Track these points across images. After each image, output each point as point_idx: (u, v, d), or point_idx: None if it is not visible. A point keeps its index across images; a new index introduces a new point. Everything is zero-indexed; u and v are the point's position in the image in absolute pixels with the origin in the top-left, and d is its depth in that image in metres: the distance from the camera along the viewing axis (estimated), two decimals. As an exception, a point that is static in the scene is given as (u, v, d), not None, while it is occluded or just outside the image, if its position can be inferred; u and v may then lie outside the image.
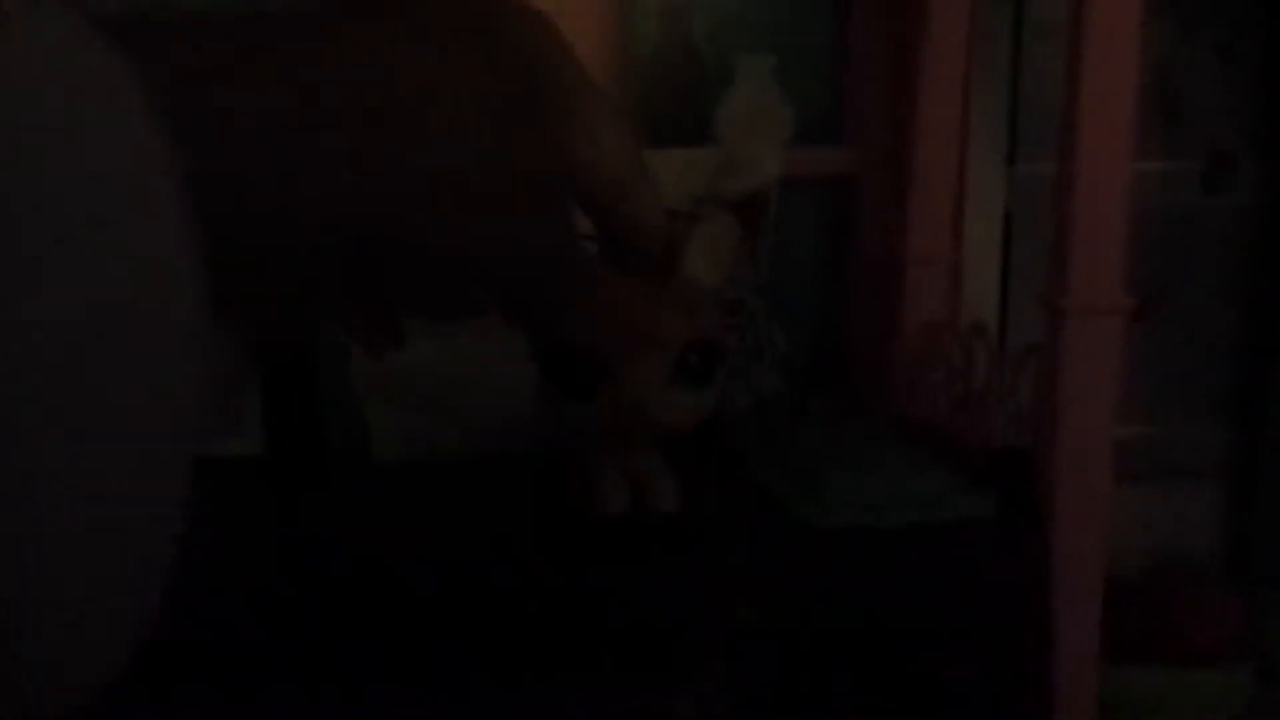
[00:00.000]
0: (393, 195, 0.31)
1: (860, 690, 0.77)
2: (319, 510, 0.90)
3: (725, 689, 0.76)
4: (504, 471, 0.91)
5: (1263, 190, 1.22)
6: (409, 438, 0.96)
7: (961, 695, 0.79)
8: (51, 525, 0.19)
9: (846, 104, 1.12)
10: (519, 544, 0.79)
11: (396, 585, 0.75)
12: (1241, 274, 1.24)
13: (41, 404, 0.18)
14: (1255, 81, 1.19)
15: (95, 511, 0.20)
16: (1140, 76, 0.76)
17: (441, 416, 0.96)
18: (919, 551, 0.78)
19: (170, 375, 0.21)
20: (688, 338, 0.57)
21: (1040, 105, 1.12)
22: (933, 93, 1.04)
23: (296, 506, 0.91)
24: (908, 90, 1.05)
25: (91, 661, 0.21)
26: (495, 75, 0.34)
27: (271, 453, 0.96)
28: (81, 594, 0.20)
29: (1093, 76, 0.76)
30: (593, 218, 0.41)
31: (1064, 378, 0.76)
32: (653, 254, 0.46)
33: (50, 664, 0.20)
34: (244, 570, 0.78)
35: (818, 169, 1.11)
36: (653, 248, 0.45)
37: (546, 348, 0.52)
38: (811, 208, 1.14)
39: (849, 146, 1.12)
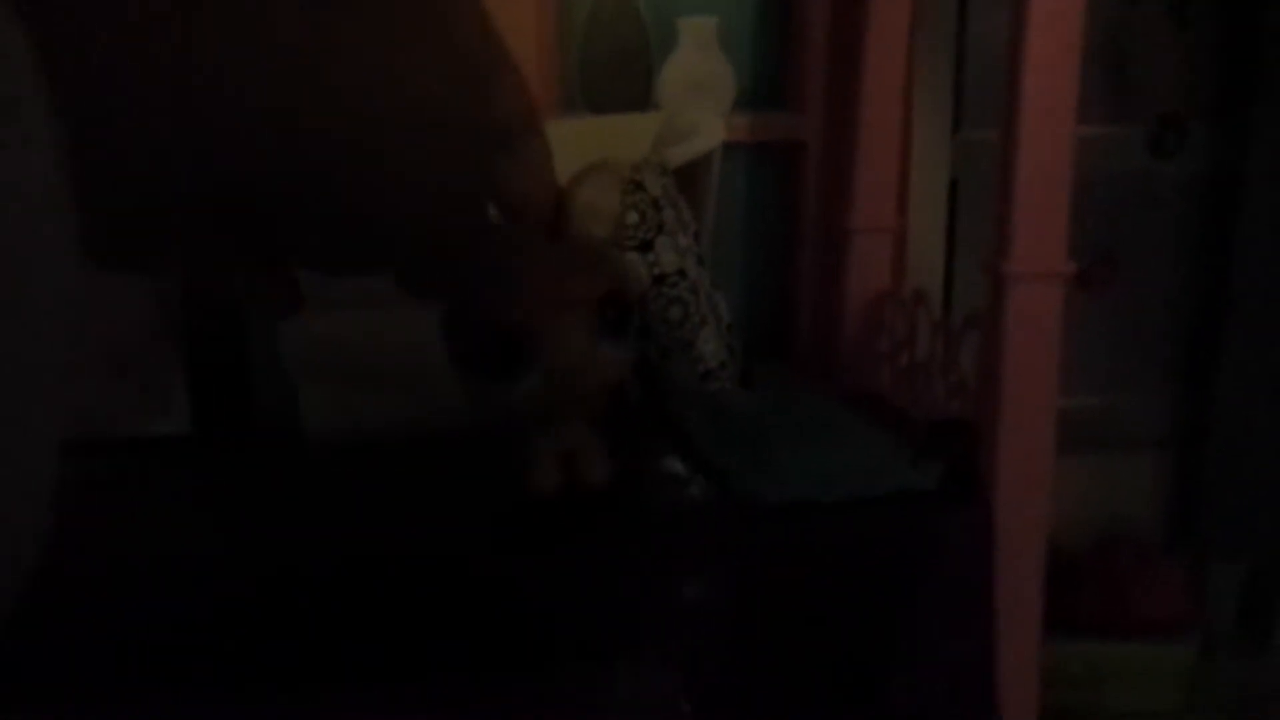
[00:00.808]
0: (289, 131, 0.29)
1: (805, 663, 0.76)
2: (247, 489, 0.87)
3: (672, 666, 0.75)
4: (437, 448, 0.89)
5: (1212, 154, 1.21)
6: (339, 414, 0.94)
7: (905, 666, 0.78)
8: None
9: (790, 68, 1.10)
10: (455, 522, 0.77)
11: (326, 564, 0.73)
12: (1190, 240, 1.24)
13: None
14: (1205, 45, 1.19)
15: None
16: (1086, 40, 0.75)
17: (372, 393, 0.93)
18: (863, 524, 0.77)
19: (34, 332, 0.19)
20: (600, 293, 0.56)
21: (985, 71, 1.11)
22: (877, 58, 1.02)
23: (224, 485, 0.88)
24: (852, 55, 1.03)
25: None
26: (404, 19, 0.32)
27: (200, 431, 0.93)
28: None
29: (1036, 41, 0.75)
30: (489, 181, 0.39)
31: (1006, 345, 0.75)
32: (544, 216, 0.44)
33: None
34: (172, 550, 0.76)
35: (761, 134, 1.09)
36: (544, 210, 0.44)
37: (462, 330, 0.50)
38: (755, 174, 1.12)
39: (793, 111, 1.10)
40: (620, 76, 1.04)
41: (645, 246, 0.99)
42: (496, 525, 0.76)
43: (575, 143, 0.98)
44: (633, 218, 0.97)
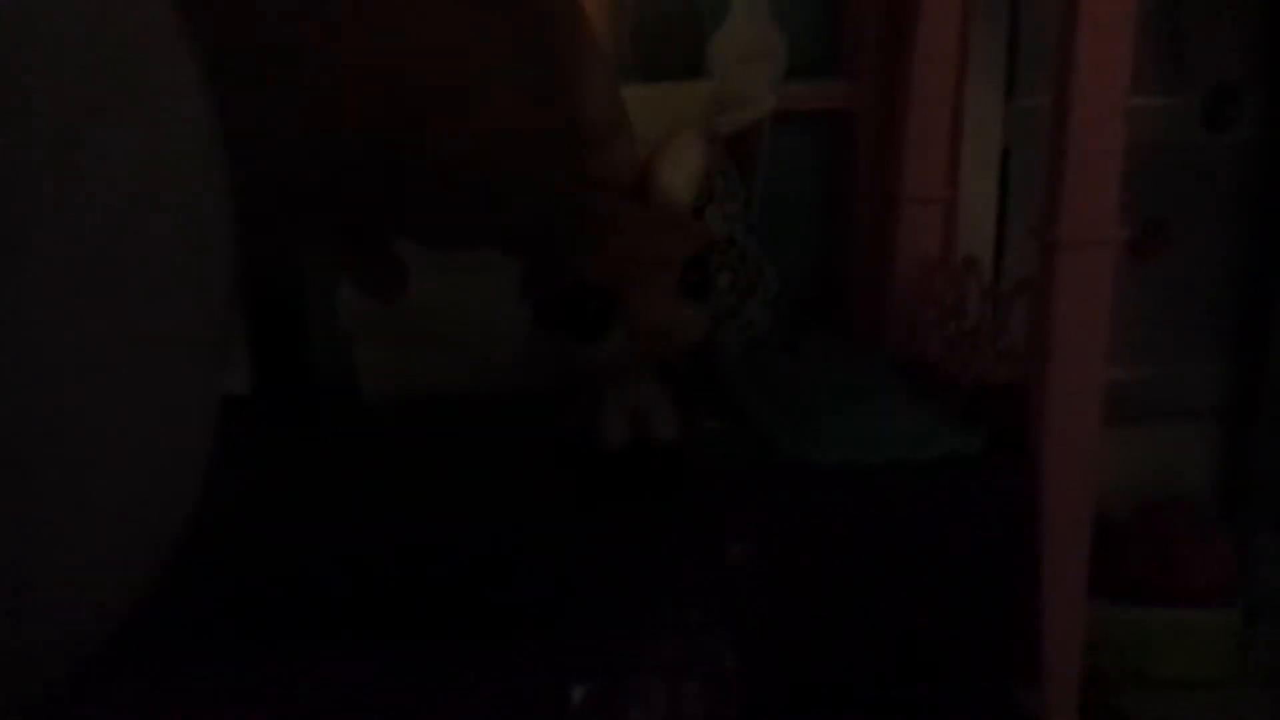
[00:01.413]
0: (399, 108, 0.31)
1: (848, 623, 0.77)
2: (307, 448, 0.89)
3: (716, 627, 0.76)
4: (496, 409, 0.91)
5: (1266, 125, 1.20)
6: (398, 376, 0.96)
7: (948, 632, 0.79)
8: (71, 436, 0.17)
9: (842, 37, 1.10)
10: (516, 480, 0.79)
11: (386, 523, 0.75)
12: (1243, 210, 1.23)
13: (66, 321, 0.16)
14: (1258, 14, 1.17)
15: (117, 416, 0.18)
16: (1140, 10, 0.74)
17: (430, 354, 0.95)
18: (908, 488, 0.77)
19: (197, 282, 0.20)
20: (685, 255, 0.57)
21: (1039, 38, 1.10)
22: (930, 25, 1.02)
23: (284, 444, 0.91)
24: (904, 23, 1.03)
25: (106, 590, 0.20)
26: (511, 21, 0.34)
27: (260, 391, 0.96)
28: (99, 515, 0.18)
29: (1089, 6, 0.74)
30: (584, 162, 0.41)
31: (1055, 311, 0.75)
32: (628, 183, 0.46)
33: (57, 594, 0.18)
34: (231, 509, 0.78)
35: (812, 103, 1.09)
36: (629, 178, 0.45)
37: (547, 290, 0.52)
38: (806, 142, 1.12)
39: (844, 80, 1.10)
40: (671, 45, 1.05)
41: (695, 214, 1.00)
42: (557, 482, 0.77)
43: (628, 110, 0.99)
44: (683, 185, 0.98)
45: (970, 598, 0.78)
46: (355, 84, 0.29)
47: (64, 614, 0.18)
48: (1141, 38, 1.16)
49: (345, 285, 0.93)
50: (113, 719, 0.65)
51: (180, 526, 0.21)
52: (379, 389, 0.96)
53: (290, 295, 0.95)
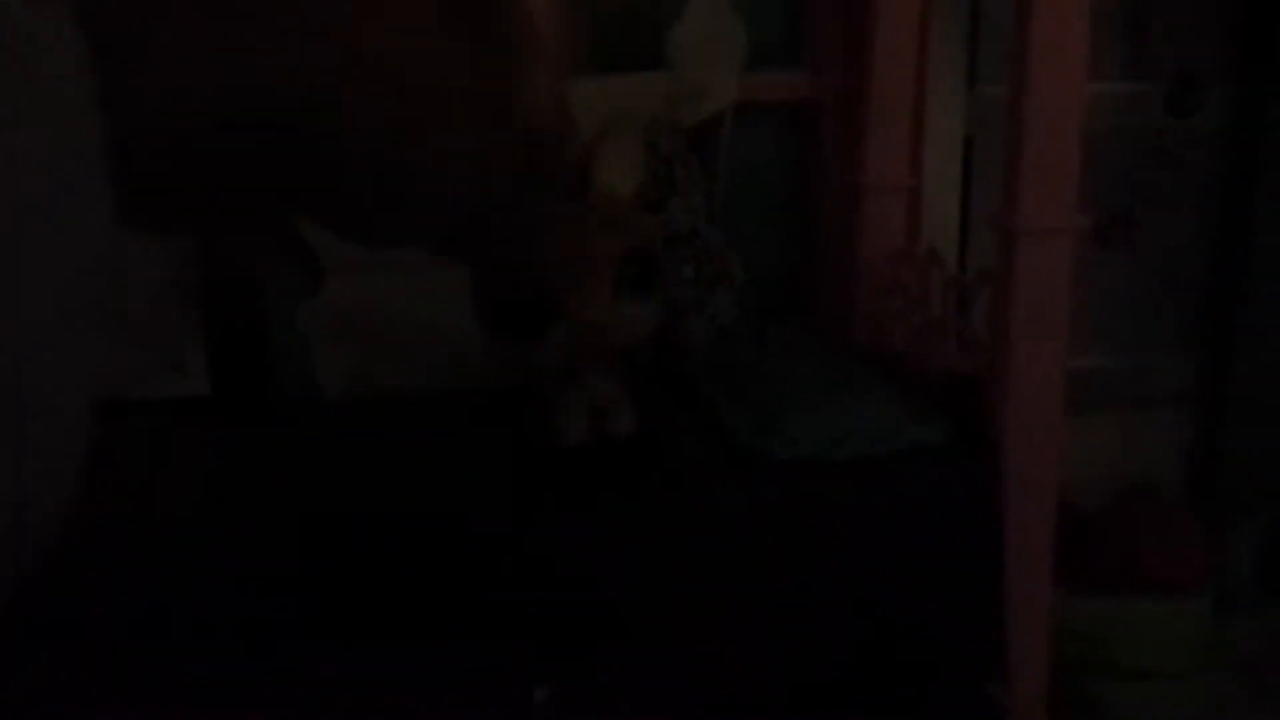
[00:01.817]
0: (314, 75, 0.30)
1: (813, 617, 0.77)
2: (265, 447, 0.88)
3: (683, 619, 0.75)
4: (456, 407, 0.90)
5: (1230, 112, 1.20)
6: (358, 376, 0.95)
7: (915, 625, 0.78)
8: None
9: (803, 26, 1.10)
10: (478, 478, 0.78)
11: (349, 522, 0.74)
12: (1208, 198, 1.23)
13: None
14: (1224, 3, 1.17)
15: None
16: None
17: (390, 354, 0.94)
18: (871, 482, 0.77)
19: (72, 286, 0.20)
20: (623, 251, 0.57)
21: (1000, 27, 1.09)
22: (891, 14, 1.01)
23: (243, 444, 0.89)
24: (865, 11, 1.02)
25: None
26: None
27: (219, 392, 0.95)
28: None
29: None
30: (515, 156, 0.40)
31: (1015, 300, 0.75)
32: (565, 179, 0.45)
33: None
34: (192, 508, 0.77)
35: (774, 93, 1.09)
36: (565, 173, 0.44)
37: (489, 295, 0.51)
38: (768, 133, 1.12)
39: (806, 70, 1.09)
40: (630, 35, 1.04)
41: (657, 206, 0.99)
42: (517, 480, 0.77)
43: (585, 103, 0.98)
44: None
45: (937, 591, 0.77)
46: (272, 46, 0.29)
47: None
48: (1105, 24, 1.16)
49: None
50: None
51: (55, 513, 0.21)
52: (340, 389, 0.95)
53: (249, 297, 0.94)
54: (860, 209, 1.03)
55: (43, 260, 0.19)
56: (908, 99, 1.03)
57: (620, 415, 0.75)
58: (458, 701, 0.73)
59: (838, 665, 0.77)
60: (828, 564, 0.77)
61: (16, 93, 0.18)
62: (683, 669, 0.76)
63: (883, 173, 1.02)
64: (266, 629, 0.71)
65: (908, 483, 0.77)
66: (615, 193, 0.51)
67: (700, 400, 0.90)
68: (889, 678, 0.78)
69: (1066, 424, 0.78)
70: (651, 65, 1.02)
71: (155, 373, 0.90)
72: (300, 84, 0.29)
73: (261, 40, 0.28)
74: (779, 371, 0.93)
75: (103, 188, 0.20)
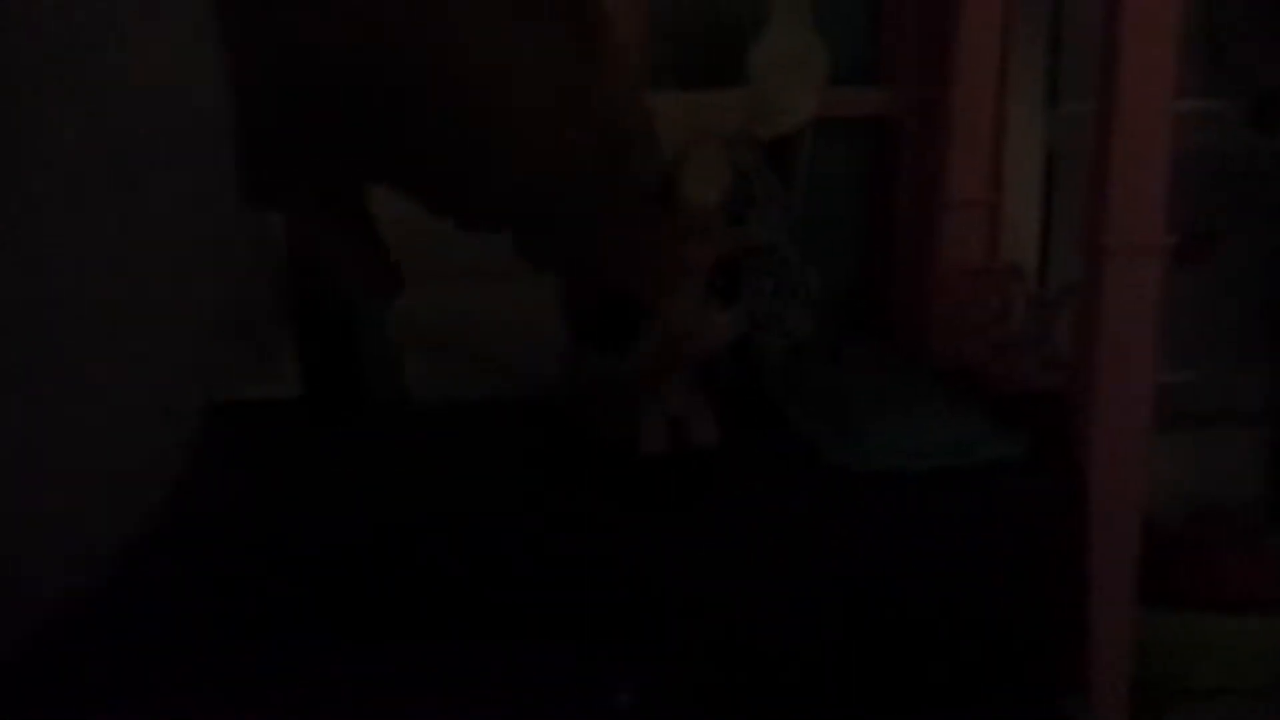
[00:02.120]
0: (413, 64, 0.31)
1: (897, 630, 0.77)
2: (354, 450, 0.90)
3: (761, 627, 0.76)
4: (539, 415, 0.92)
5: (1314, 129, 1.19)
6: (446, 382, 0.97)
7: (995, 638, 0.79)
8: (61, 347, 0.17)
9: (884, 43, 1.10)
10: (559, 482, 0.80)
11: (434, 524, 0.76)
12: (1290, 216, 1.22)
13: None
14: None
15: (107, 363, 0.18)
16: (1186, 15, 0.74)
17: (477, 362, 0.96)
18: (952, 495, 0.77)
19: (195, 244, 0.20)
20: (711, 261, 0.58)
21: (1082, 43, 1.09)
22: (971, 31, 1.02)
23: (332, 446, 0.92)
24: (946, 28, 1.03)
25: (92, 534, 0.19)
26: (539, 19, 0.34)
27: (309, 395, 0.97)
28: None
29: (1132, 10, 0.74)
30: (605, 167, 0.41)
31: (1103, 318, 0.75)
32: (652, 184, 0.46)
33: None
34: (276, 508, 0.79)
35: (854, 110, 1.09)
36: (652, 177, 0.45)
37: (580, 300, 0.52)
38: (848, 149, 1.12)
39: (886, 86, 1.10)
40: (711, 51, 1.05)
41: (737, 220, 1.00)
42: (600, 487, 0.78)
43: (667, 117, 1.00)
44: (725, 192, 0.99)
45: (1016, 604, 0.78)
46: (363, 22, 0.30)
47: (47, 548, 0.18)
48: (1185, 41, 1.15)
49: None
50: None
51: (161, 487, 0.21)
52: (427, 395, 0.98)
53: (341, 302, 0.96)
54: (940, 224, 1.03)
55: (167, 227, 0.19)
56: (988, 115, 1.03)
57: (703, 425, 0.76)
58: (538, 703, 0.75)
59: (920, 675, 0.77)
60: (908, 575, 0.78)
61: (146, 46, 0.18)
62: (761, 675, 0.77)
63: (964, 188, 1.03)
64: (337, 627, 0.72)
65: (988, 496, 0.78)
66: (701, 204, 0.52)
67: (777, 414, 0.91)
68: (969, 689, 0.78)
69: (1147, 441, 0.79)
70: (733, 81, 1.04)
71: (249, 372, 0.93)
72: (387, 56, 0.31)
73: (352, 15, 0.30)
74: (856, 385, 0.94)
75: (228, 152, 0.20)
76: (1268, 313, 1.24)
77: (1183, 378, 1.22)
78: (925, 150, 1.06)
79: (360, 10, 0.30)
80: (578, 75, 0.36)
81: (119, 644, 0.69)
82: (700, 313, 0.59)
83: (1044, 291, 0.91)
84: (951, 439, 0.80)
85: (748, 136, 1.02)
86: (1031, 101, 1.11)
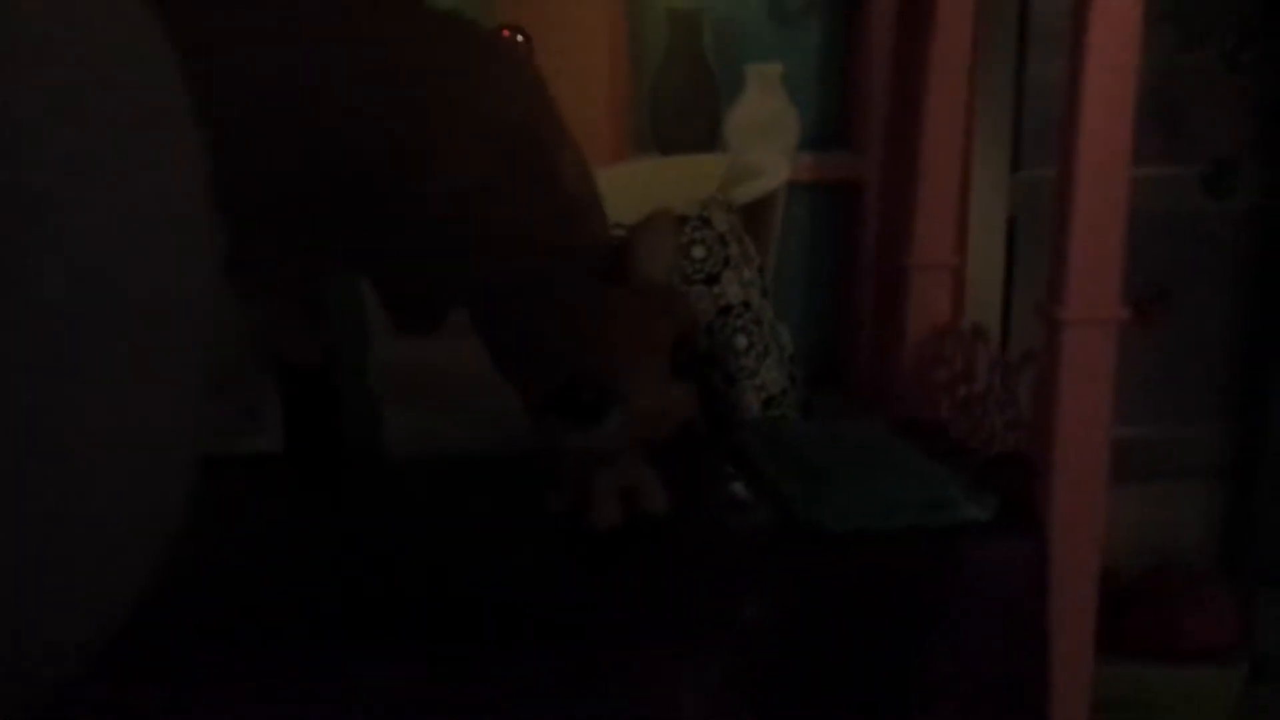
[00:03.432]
0: (382, 151, 0.33)
1: (862, 687, 0.80)
2: (333, 503, 0.92)
3: (732, 683, 0.78)
4: (506, 471, 0.93)
5: (1265, 194, 1.24)
6: (422, 436, 0.99)
7: (960, 691, 0.81)
8: (62, 444, 0.19)
9: (853, 111, 1.14)
10: (520, 543, 0.81)
11: (400, 574, 0.77)
12: (1243, 276, 1.26)
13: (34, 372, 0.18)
14: (1258, 89, 1.21)
15: (94, 462, 0.20)
16: (1144, 85, 0.77)
17: (453, 416, 0.98)
18: (920, 554, 0.80)
19: (179, 337, 0.22)
20: (674, 338, 0.60)
21: (1043, 111, 1.14)
22: (937, 99, 1.05)
23: (312, 500, 0.94)
24: (913, 97, 1.07)
25: (79, 624, 0.21)
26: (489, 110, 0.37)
27: (291, 450, 0.99)
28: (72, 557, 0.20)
29: (1092, 93, 0.78)
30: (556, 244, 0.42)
31: (1060, 386, 0.79)
32: (604, 261, 0.47)
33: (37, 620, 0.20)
34: (259, 557, 0.81)
35: (825, 174, 1.13)
36: (604, 255, 0.47)
37: (539, 381, 0.53)
38: (819, 211, 1.16)
39: (855, 153, 1.13)
40: (689, 119, 1.09)
41: (712, 279, 1.03)
42: (563, 548, 0.79)
43: (647, 182, 1.03)
44: (699, 252, 1.02)
45: (980, 659, 0.80)
46: (347, 127, 0.32)
47: (64, 609, 0.20)
48: (1142, 111, 1.20)
49: (376, 347, 0.97)
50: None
51: (165, 540, 0.23)
52: (404, 448, 0.99)
53: (322, 358, 0.98)
54: (906, 285, 1.07)
55: (155, 298, 0.20)
56: (952, 180, 1.07)
57: (652, 495, 0.77)
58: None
59: (887, 731, 0.80)
60: (876, 632, 0.80)
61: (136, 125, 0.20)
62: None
63: (928, 251, 1.07)
64: (314, 671, 0.74)
65: (956, 556, 0.80)
66: (655, 279, 0.54)
67: (753, 470, 0.93)
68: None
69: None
70: (710, 147, 1.07)
71: (234, 428, 0.95)
72: (375, 153, 0.33)
73: (352, 114, 0.32)
74: (828, 441, 0.97)
75: (211, 230, 0.22)
76: (1223, 371, 1.28)
77: (1141, 434, 1.26)
78: (892, 213, 1.10)
79: (361, 117, 0.33)
80: (541, 165, 0.39)
81: (109, 691, 0.70)
82: (664, 391, 0.60)
83: (1006, 355, 0.94)
84: (921, 499, 0.83)
85: (724, 199, 1.05)
86: (994, 166, 1.15)
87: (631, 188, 1.03)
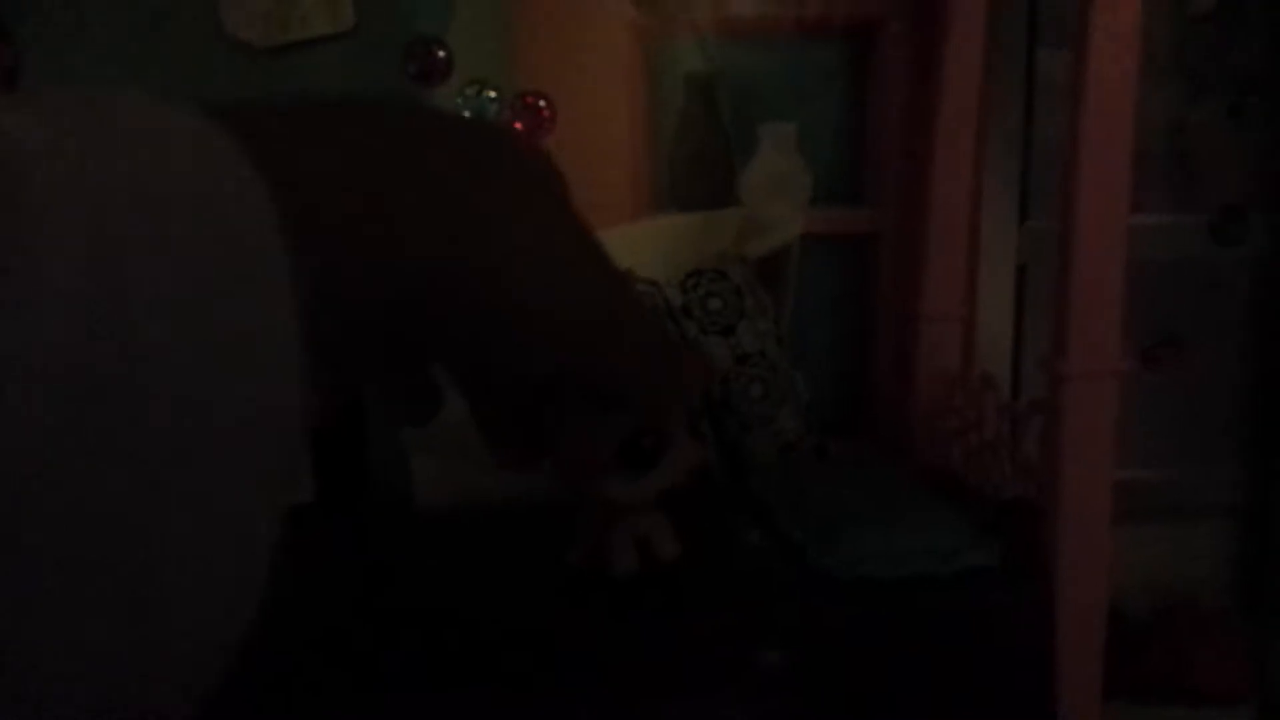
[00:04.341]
0: (448, 260, 0.36)
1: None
2: (361, 554, 0.96)
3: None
4: (534, 519, 0.96)
5: (1272, 241, 1.26)
6: (449, 487, 1.02)
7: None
8: (168, 552, 0.23)
9: (865, 166, 1.18)
10: (541, 592, 0.84)
11: (424, 623, 0.80)
12: (1252, 321, 1.28)
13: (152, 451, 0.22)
14: (1264, 139, 1.24)
15: (194, 537, 0.24)
16: (1152, 137, 0.80)
17: (478, 468, 1.01)
18: (928, 601, 0.82)
19: (270, 431, 0.25)
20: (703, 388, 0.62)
21: (1051, 162, 1.17)
22: (946, 154, 1.09)
23: (343, 550, 0.97)
24: (923, 151, 1.10)
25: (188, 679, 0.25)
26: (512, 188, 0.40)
27: (323, 501, 1.02)
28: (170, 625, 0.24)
29: (1090, 150, 0.80)
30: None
31: (1064, 436, 0.81)
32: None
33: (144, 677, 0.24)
34: (288, 607, 0.84)
35: (837, 228, 1.16)
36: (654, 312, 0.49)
37: (625, 430, 0.56)
38: (833, 263, 1.19)
39: (867, 207, 1.17)
40: (705, 177, 1.13)
41: (728, 330, 1.06)
42: (583, 597, 0.82)
43: (667, 238, 1.07)
44: (716, 304, 1.05)
45: (989, 706, 0.82)
46: (417, 242, 0.35)
47: (158, 697, 0.24)
48: (1152, 162, 1.23)
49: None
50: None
51: (243, 630, 0.27)
52: (431, 499, 1.03)
53: (352, 411, 1.02)
54: (917, 335, 1.10)
55: (243, 415, 0.24)
56: (963, 233, 1.10)
57: (663, 542, 0.79)
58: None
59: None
60: (886, 679, 0.82)
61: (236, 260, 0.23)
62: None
63: (938, 302, 1.10)
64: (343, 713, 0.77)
65: (963, 603, 0.82)
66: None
67: (769, 517, 0.96)
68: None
69: (1116, 535, 0.84)
70: (727, 203, 1.11)
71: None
72: (442, 263, 0.36)
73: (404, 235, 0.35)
74: (841, 488, 0.99)
75: (299, 349, 0.25)
76: (1235, 413, 1.30)
77: (1156, 475, 1.28)
78: (903, 265, 1.13)
79: (442, 241, 0.36)
80: (586, 240, 0.42)
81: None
82: (698, 444, 0.63)
83: (1014, 404, 0.96)
84: (930, 547, 0.85)
85: (739, 254, 1.08)
86: (1003, 219, 1.18)
87: (651, 243, 1.06)
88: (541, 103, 1.08)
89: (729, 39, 1.13)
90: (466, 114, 1.08)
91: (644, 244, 1.05)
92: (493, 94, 1.09)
